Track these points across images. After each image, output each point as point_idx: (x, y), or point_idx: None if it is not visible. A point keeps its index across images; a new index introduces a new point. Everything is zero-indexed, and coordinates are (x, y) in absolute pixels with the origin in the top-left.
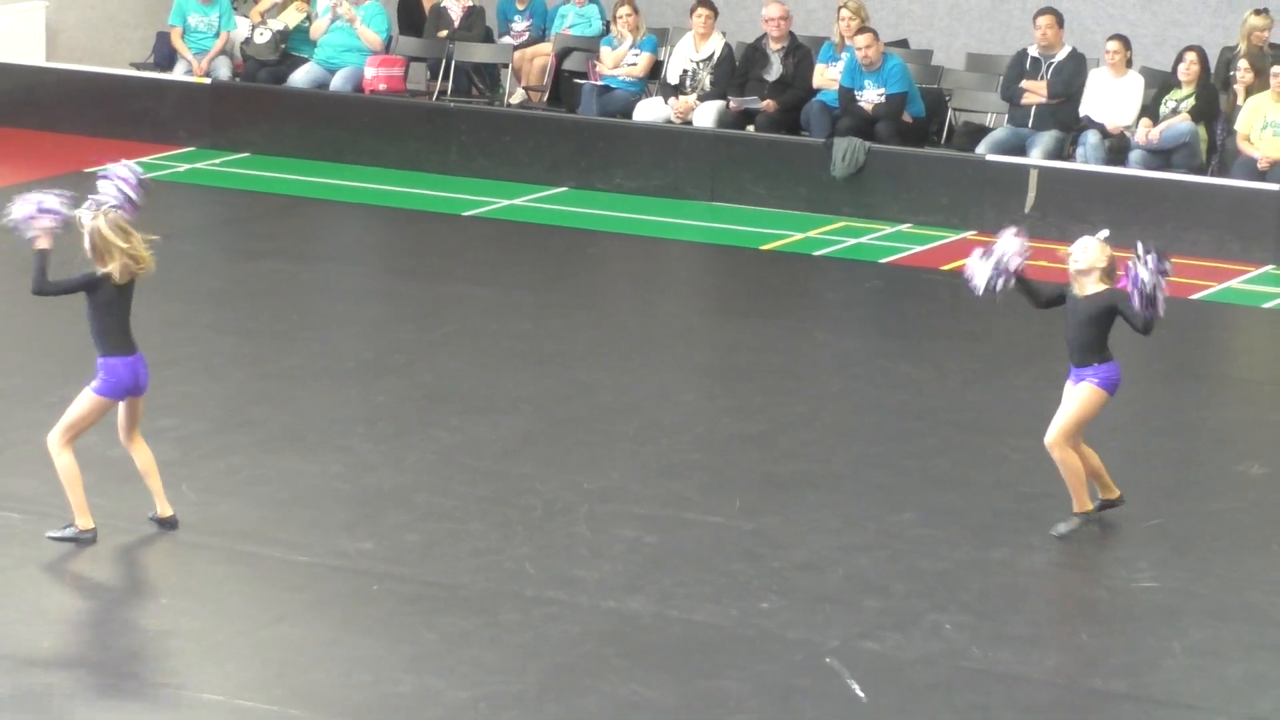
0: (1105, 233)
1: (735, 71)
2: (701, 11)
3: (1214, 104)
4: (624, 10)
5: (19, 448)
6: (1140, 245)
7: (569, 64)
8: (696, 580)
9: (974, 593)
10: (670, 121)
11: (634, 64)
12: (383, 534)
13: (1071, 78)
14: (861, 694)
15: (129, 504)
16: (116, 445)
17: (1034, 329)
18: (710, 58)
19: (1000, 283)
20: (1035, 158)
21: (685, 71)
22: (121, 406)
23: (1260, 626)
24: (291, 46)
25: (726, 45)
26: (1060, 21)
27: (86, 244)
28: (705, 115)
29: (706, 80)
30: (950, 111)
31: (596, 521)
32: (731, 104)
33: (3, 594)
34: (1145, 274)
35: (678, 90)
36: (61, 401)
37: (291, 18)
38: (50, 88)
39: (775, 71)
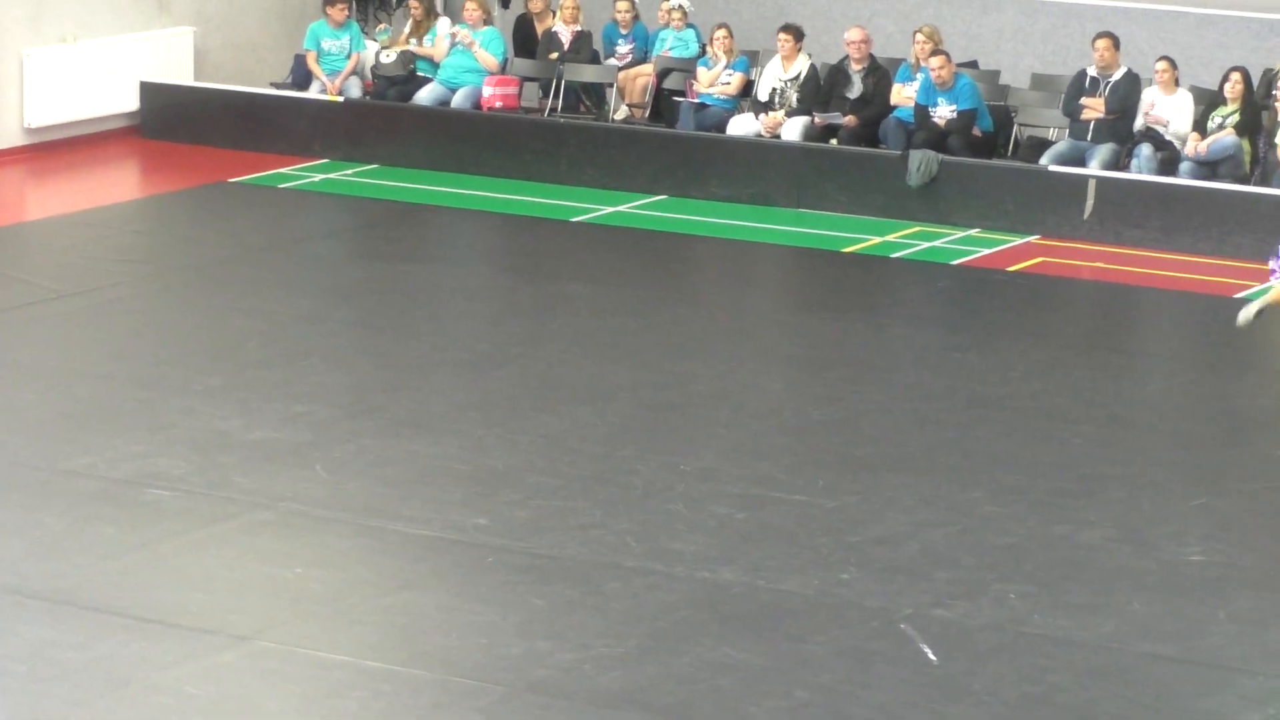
0: None
1: (820, 90)
2: (782, 36)
3: (1257, 119)
4: (720, 34)
5: (169, 430)
6: None
7: (668, 83)
8: (783, 553)
9: (1036, 564)
10: (760, 136)
11: (728, 83)
12: (496, 510)
13: (1127, 95)
14: (933, 657)
15: (269, 483)
16: (258, 429)
17: (1090, 326)
18: (797, 77)
19: None
20: (1093, 168)
21: (774, 90)
22: None
23: None
24: (417, 68)
25: (812, 65)
26: (1116, 44)
27: None
28: (792, 130)
29: (794, 97)
30: (1016, 126)
31: (692, 499)
32: (816, 119)
33: (152, 564)
34: None
35: (767, 107)
36: (208, 390)
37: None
38: (198, 105)
39: (856, 90)
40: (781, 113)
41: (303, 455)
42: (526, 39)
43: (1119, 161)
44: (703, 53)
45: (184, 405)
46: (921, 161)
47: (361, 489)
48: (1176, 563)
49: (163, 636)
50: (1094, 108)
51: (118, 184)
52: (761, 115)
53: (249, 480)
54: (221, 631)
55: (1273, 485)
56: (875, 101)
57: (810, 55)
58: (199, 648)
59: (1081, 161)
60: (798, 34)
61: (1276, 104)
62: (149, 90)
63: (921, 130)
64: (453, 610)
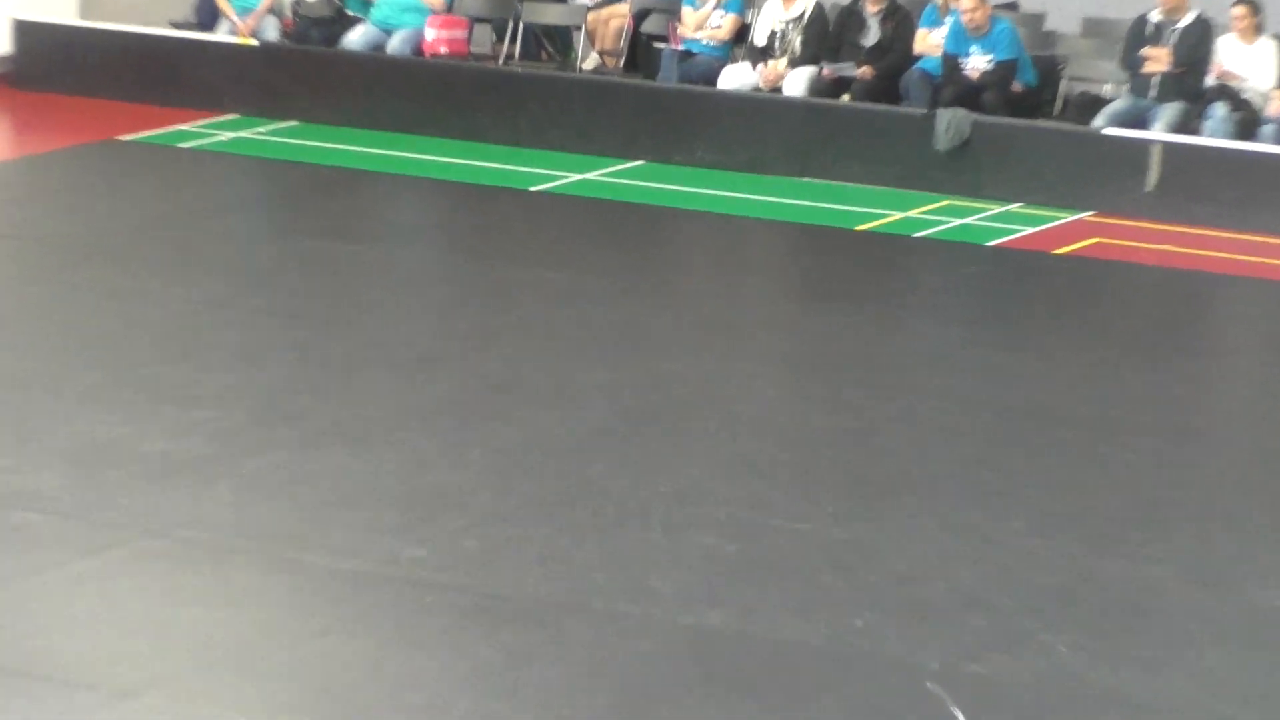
0: None
1: (828, 34)
2: None
3: None
4: None
5: (41, 440)
6: None
7: (647, 26)
8: (782, 593)
9: (1090, 609)
10: (758, 90)
11: (718, 26)
12: (439, 539)
13: (1197, 44)
14: (960, 717)
15: (162, 505)
16: (149, 439)
17: (1153, 320)
18: (800, 17)
19: None
20: (1157, 132)
21: (773, 33)
22: None
23: None
24: (346, 4)
25: (818, 4)
26: None
27: None
28: (796, 83)
29: (796, 42)
30: (1064, 81)
31: (673, 526)
32: (825, 71)
33: (17, 603)
34: None
35: (765, 54)
36: (90, 391)
37: None
38: (84, 49)
39: (873, 36)
40: (783, 61)
41: (204, 471)
42: None
43: (1188, 123)
44: None
45: (59, 409)
46: (950, 122)
47: (275, 512)
48: (1258, 608)
49: (30, 693)
50: (1158, 59)
51: None
52: (759, 65)
53: (137, 501)
54: (103, 686)
55: None
56: (895, 50)
57: None
58: (75, 706)
59: (1143, 124)
60: None
61: None
62: (24, 30)
63: (950, 85)
64: (384, 661)
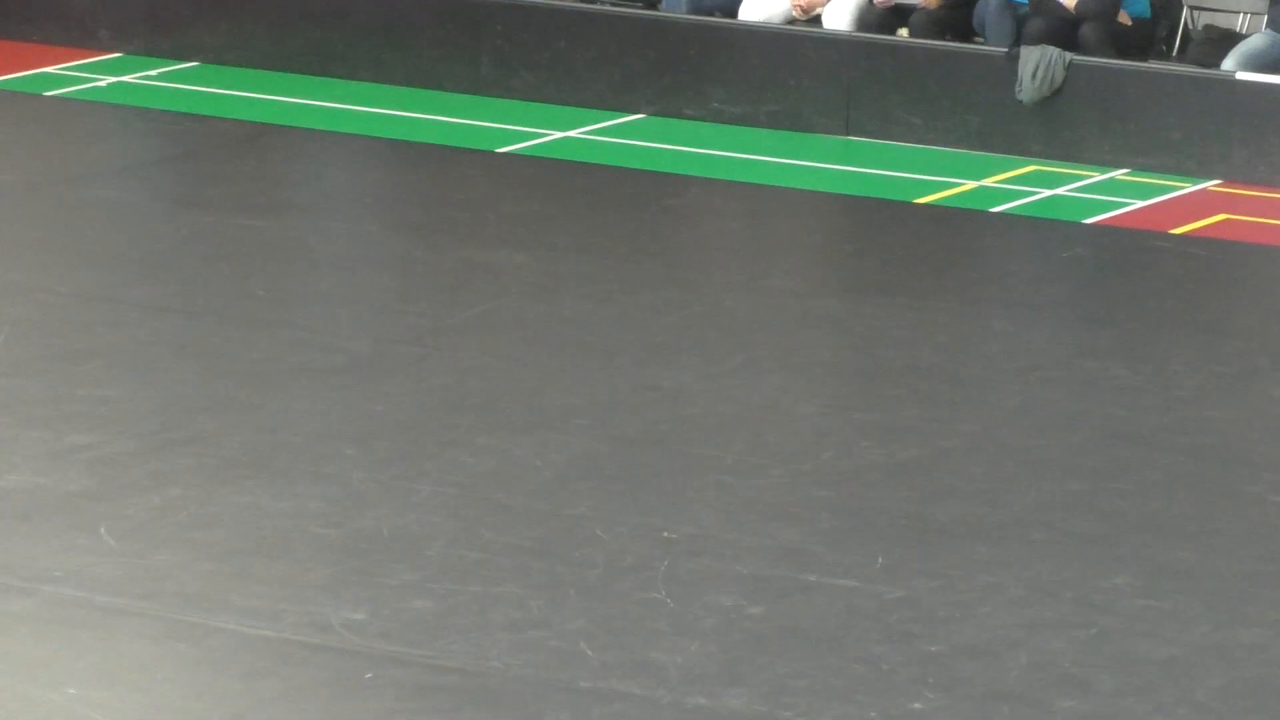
0: None
1: None
2: None
3: None
4: None
5: None
6: None
7: None
8: (820, 668)
9: (1213, 689)
10: (791, 22)
11: None
12: (381, 598)
13: None
14: None
15: (28, 555)
16: (11, 470)
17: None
18: None
19: None
20: None
21: None
22: None
23: None
24: None
25: None
26: None
27: None
28: (838, 13)
29: None
30: (1186, 10)
31: (681, 583)
32: (878, 2)
33: None
34: None
35: None
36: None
37: None
38: None
39: None
40: None
41: (81, 511)
42: None
43: None
44: None
45: None
46: (1039, 64)
47: (172, 564)
48: None
49: None
50: None
51: None
52: None
53: (16, 546)
54: None
55: None
56: None
57: None
58: None
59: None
60: None
61: None
62: None
63: (1039, 15)
64: None
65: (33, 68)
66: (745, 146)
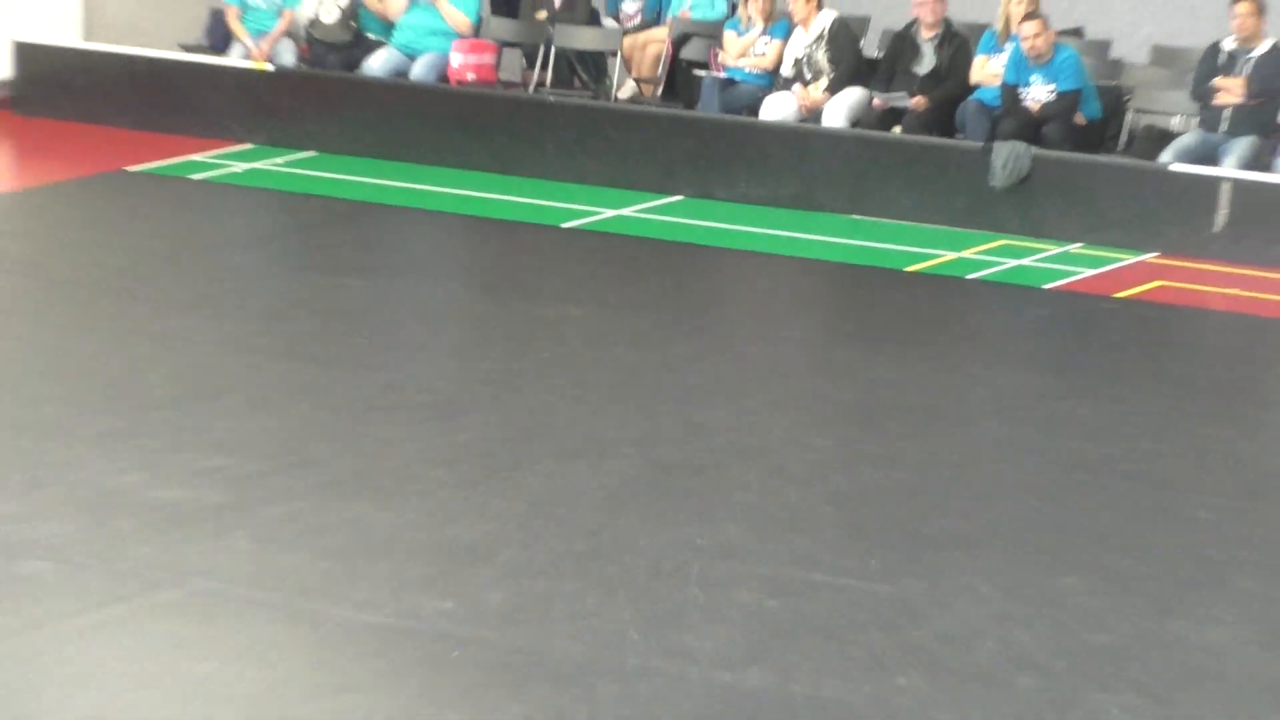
0: None
1: (857, 49)
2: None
3: None
4: None
5: (51, 487)
6: None
7: (687, 53)
8: (825, 651)
9: (1147, 671)
10: (803, 121)
11: (763, 54)
12: (464, 593)
13: (1273, 75)
14: None
15: (177, 555)
16: (163, 486)
17: (1223, 370)
18: (821, 36)
19: None
20: (1229, 168)
21: (798, 60)
22: None
23: None
24: (365, 27)
25: (838, 19)
26: (1261, 9)
27: None
28: (836, 111)
29: (823, 60)
30: (1130, 113)
31: (710, 583)
32: (876, 101)
33: (27, 655)
34: None
35: (795, 83)
36: (100, 436)
37: None
38: (87, 72)
39: (927, 64)
40: (819, 87)
41: (220, 520)
42: None
43: (1261, 159)
44: (732, 13)
45: (69, 455)
46: (1009, 156)
47: (294, 563)
48: None
49: None
50: (1231, 90)
51: None
52: (797, 87)
53: (151, 550)
54: None
55: None
56: (951, 79)
57: (834, 9)
58: None
59: (1214, 159)
60: None
61: None
62: (25, 53)
63: (1009, 117)
64: (408, 719)
65: (182, 155)
66: (767, 223)
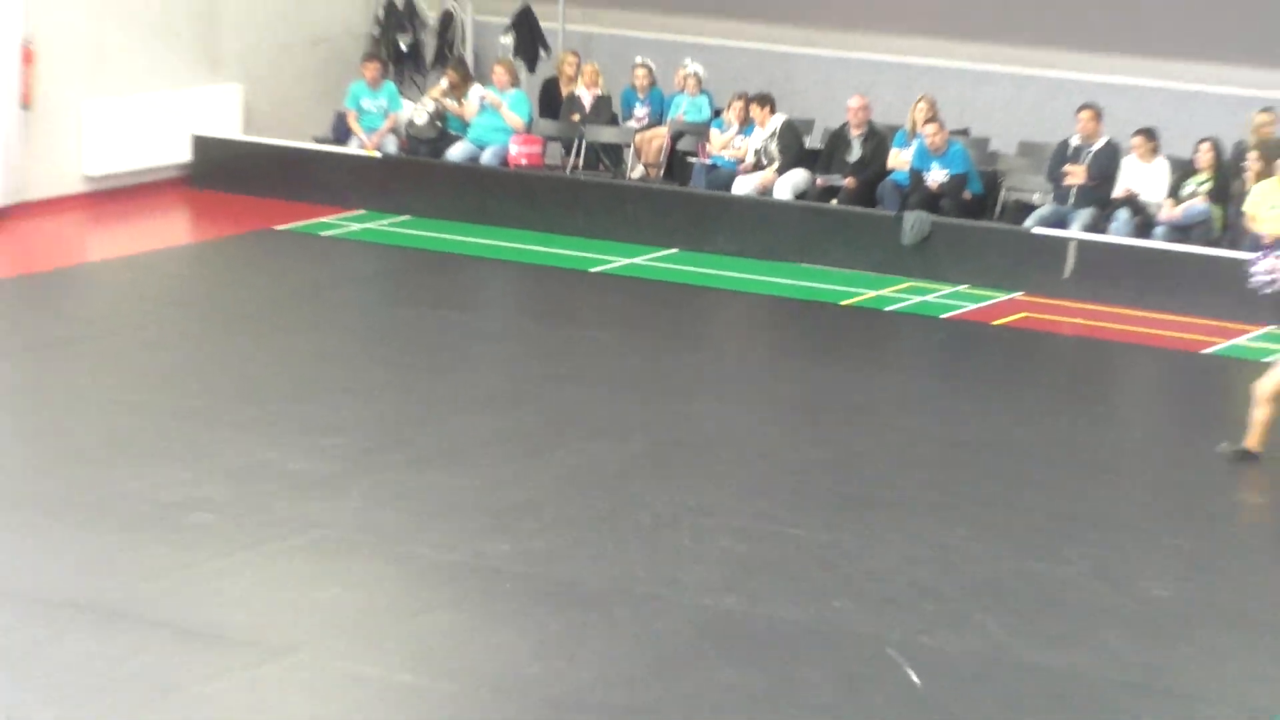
0: None
1: (800, 143)
2: (752, 107)
3: (1227, 187)
4: (737, 103)
5: (212, 459)
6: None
7: (682, 145)
8: (780, 583)
9: (1015, 598)
10: (766, 194)
11: (739, 147)
12: (515, 540)
13: (1107, 163)
14: (917, 681)
15: (305, 510)
16: (293, 460)
17: (1070, 378)
18: (773, 134)
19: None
20: (1074, 231)
21: (758, 151)
22: None
23: (1257, 632)
24: (448, 126)
25: (786, 121)
26: (1099, 116)
27: None
28: (783, 188)
29: (774, 151)
30: (1003, 190)
31: (697, 532)
32: (819, 180)
33: (196, 582)
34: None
35: (755, 168)
36: (248, 422)
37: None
38: (245, 157)
39: (855, 154)
40: (771, 170)
41: (336, 485)
42: (551, 101)
43: (1098, 225)
44: (715, 116)
45: (225, 436)
46: (915, 222)
47: (390, 517)
48: (1147, 598)
49: (203, 650)
50: (1076, 174)
51: (169, 230)
52: (756, 174)
53: (284, 507)
54: (259, 646)
55: (1238, 528)
56: (873, 165)
57: (783, 113)
58: (237, 661)
59: (1063, 224)
60: (760, 100)
61: (1246, 174)
62: (200, 142)
63: (915, 193)
64: (474, 631)
65: (312, 218)
66: (738, 269)
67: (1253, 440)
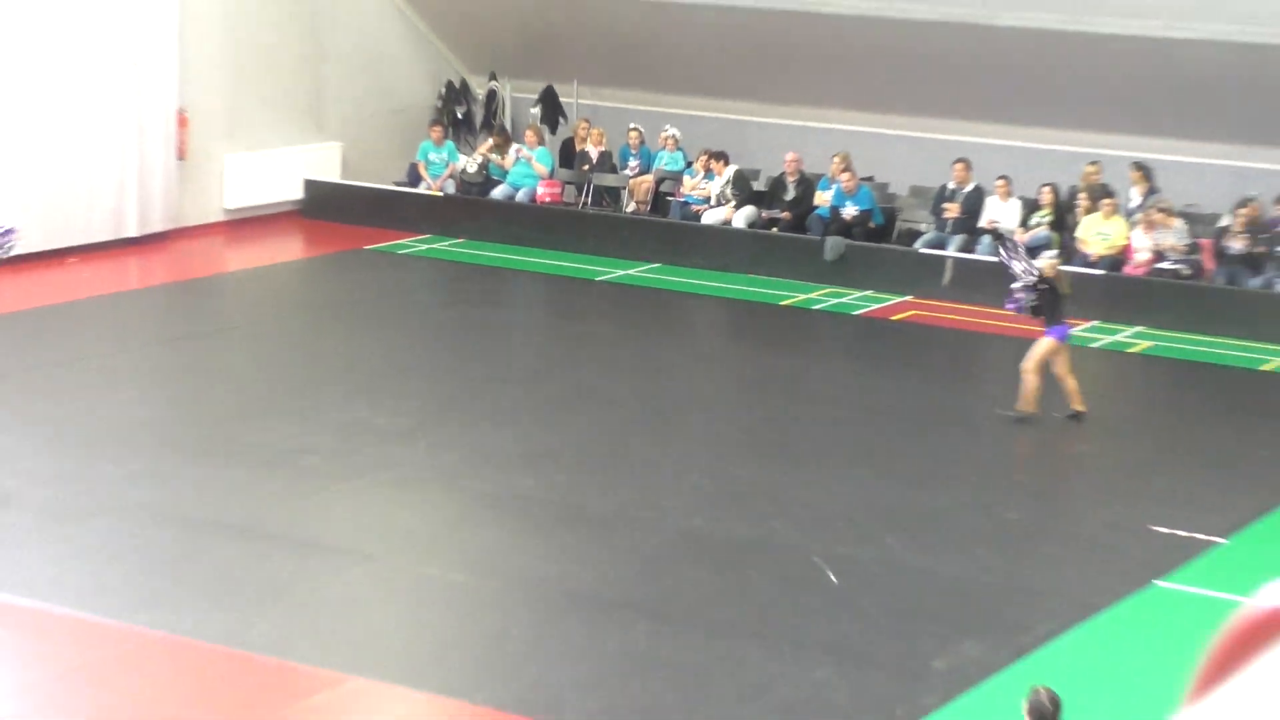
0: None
1: (749, 186)
2: (712, 163)
3: (1063, 219)
4: (703, 157)
5: (318, 418)
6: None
7: (664, 187)
8: (736, 510)
9: (907, 520)
10: (726, 224)
11: (704, 189)
12: (541, 477)
13: (975, 202)
14: (835, 580)
15: (388, 455)
16: (380, 417)
17: (947, 356)
18: (729, 181)
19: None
20: (951, 251)
21: (718, 195)
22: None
23: (1084, 546)
24: (492, 174)
25: (737, 170)
26: (969, 167)
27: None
28: (739, 219)
29: (728, 192)
30: (899, 221)
31: (675, 473)
32: (763, 214)
33: (308, 507)
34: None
35: (718, 204)
36: (345, 392)
37: (499, 156)
38: (343, 196)
39: (790, 194)
40: (729, 207)
41: (409, 436)
42: (567, 155)
43: (968, 246)
44: (688, 167)
45: (328, 400)
46: (834, 244)
47: (448, 460)
48: (1003, 521)
49: (310, 557)
50: (952, 210)
51: (285, 249)
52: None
53: (373, 451)
54: (351, 554)
55: (1067, 468)
56: (803, 203)
57: (736, 165)
58: (335, 565)
59: (943, 246)
60: (717, 156)
61: (1078, 209)
62: (310, 184)
63: (834, 223)
64: (509, 543)
65: (392, 241)
66: (703, 279)
67: (1027, 405)
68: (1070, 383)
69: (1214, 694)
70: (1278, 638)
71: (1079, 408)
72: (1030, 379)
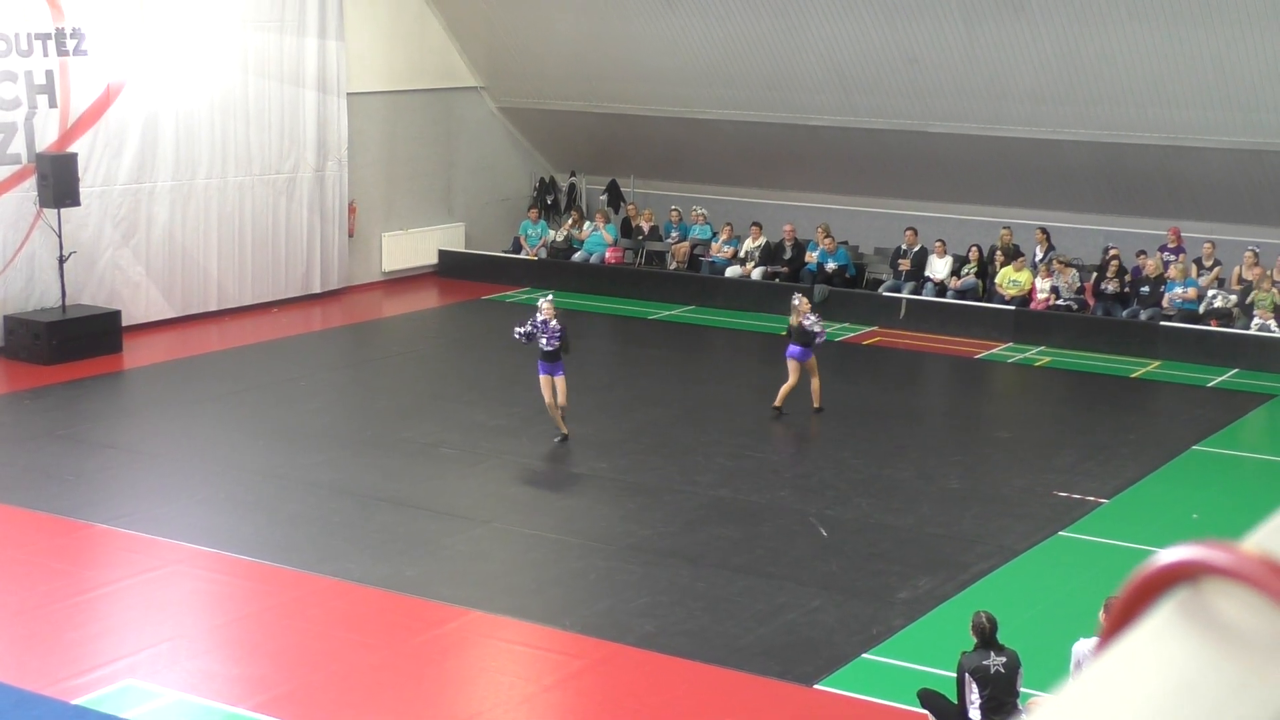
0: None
1: (772, 253)
2: (753, 229)
3: (986, 271)
4: (726, 227)
5: (450, 420)
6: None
7: (698, 250)
8: (753, 482)
9: (876, 488)
10: (744, 277)
11: (726, 252)
12: (610, 460)
13: (921, 259)
14: (825, 534)
15: (501, 447)
16: (492, 419)
17: (903, 373)
18: (759, 246)
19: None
20: (905, 294)
21: (747, 253)
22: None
23: (1007, 504)
24: (573, 244)
25: (767, 241)
26: (917, 234)
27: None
28: (757, 274)
29: (756, 256)
30: (867, 273)
31: (707, 455)
32: (769, 270)
33: (442, 485)
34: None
35: (744, 262)
36: (469, 401)
37: (578, 230)
38: (466, 261)
39: (788, 254)
40: (751, 265)
41: (514, 433)
42: (627, 229)
43: (917, 291)
44: (714, 236)
45: (457, 407)
46: (820, 290)
47: (543, 450)
48: (946, 487)
49: (444, 520)
50: (904, 265)
51: (426, 300)
52: (742, 267)
53: (490, 445)
54: (473, 519)
55: (951, 446)
56: (797, 260)
57: (766, 237)
58: (463, 526)
59: (899, 290)
60: (760, 227)
61: (998, 261)
62: (443, 254)
63: (820, 275)
64: (589, 508)
65: (502, 292)
66: (727, 317)
67: (779, 400)
68: (815, 383)
69: (1118, 640)
70: (1173, 589)
71: (778, 403)
72: (792, 378)
